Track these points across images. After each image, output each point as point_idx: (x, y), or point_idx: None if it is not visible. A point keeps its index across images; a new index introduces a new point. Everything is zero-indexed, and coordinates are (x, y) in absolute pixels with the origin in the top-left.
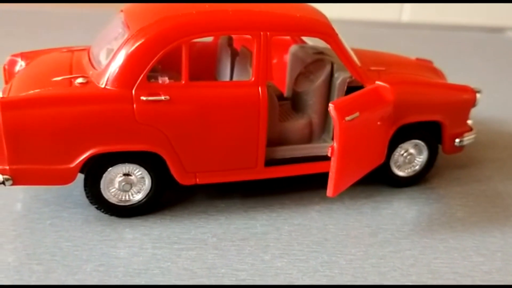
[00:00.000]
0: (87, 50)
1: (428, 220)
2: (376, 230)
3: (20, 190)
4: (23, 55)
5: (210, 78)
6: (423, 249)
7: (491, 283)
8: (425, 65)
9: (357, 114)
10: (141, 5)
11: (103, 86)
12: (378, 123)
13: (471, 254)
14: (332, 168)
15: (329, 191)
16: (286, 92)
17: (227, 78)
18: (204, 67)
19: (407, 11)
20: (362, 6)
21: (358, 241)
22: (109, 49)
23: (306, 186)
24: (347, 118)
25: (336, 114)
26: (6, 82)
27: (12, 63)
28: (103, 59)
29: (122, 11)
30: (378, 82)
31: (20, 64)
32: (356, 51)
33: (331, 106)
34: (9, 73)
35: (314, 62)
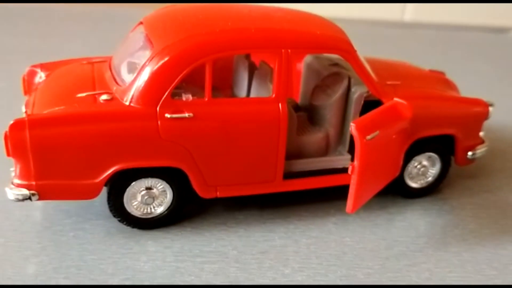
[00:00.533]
0: (107, 62)
1: (442, 232)
2: (392, 242)
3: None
4: (43, 66)
5: (226, 89)
6: (437, 262)
7: None
8: (438, 77)
9: (377, 132)
10: (161, 17)
11: (127, 103)
12: (396, 138)
13: (484, 267)
14: (352, 185)
15: (349, 208)
16: (300, 100)
17: (245, 91)
18: (220, 78)
19: (410, 11)
20: (364, 5)
21: (374, 254)
22: (131, 62)
23: (322, 197)
24: (368, 137)
25: (358, 134)
26: (25, 92)
27: (32, 74)
28: (125, 74)
29: (142, 23)
30: (396, 99)
31: (40, 76)
32: (371, 62)
33: (352, 126)
34: (29, 84)
35: (330, 76)
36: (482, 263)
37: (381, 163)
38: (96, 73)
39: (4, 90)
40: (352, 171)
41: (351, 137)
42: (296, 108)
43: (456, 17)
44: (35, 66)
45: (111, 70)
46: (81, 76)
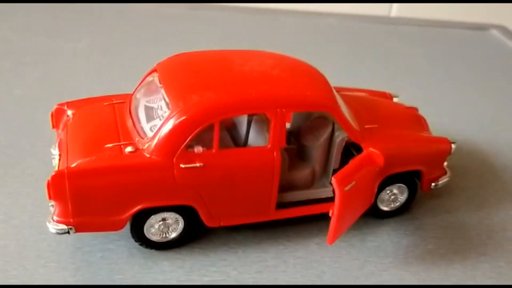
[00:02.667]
0: (126, 104)
1: (405, 253)
2: (363, 263)
3: None
4: (69, 104)
5: (229, 127)
6: (399, 281)
7: None
8: (411, 114)
9: (353, 183)
10: (174, 71)
11: (149, 155)
12: (369, 181)
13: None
14: (332, 224)
15: (329, 240)
16: (290, 126)
17: (243, 135)
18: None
19: (396, 8)
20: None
21: (348, 273)
22: (148, 107)
23: (307, 220)
24: (346, 188)
25: (337, 186)
26: (53, 126)
27: (59, 111)
28: (144, 123)
29: (155, 70)
30: (371, 149)
31: (67, 114)
32: (352, 101)
33: (333, 180)
34: (56, 119)
35: (318, 118)
36: (435, 281)
37: (356, 203)
38: (119, 118)
39: (21, 98)
40: (331, 214)
41: (333, 171)
42: (288, 137)
43: (440, 14)
44: (61, 104)
45: (132, 118)
46: (106, 122)
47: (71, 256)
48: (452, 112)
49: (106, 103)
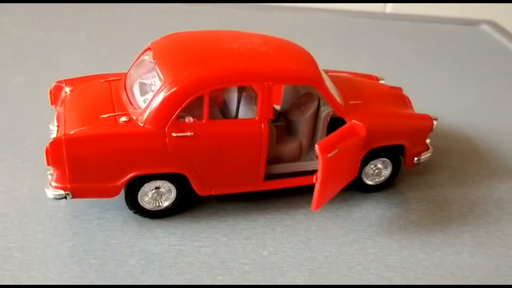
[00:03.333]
0: (121, 81)
1: (388, 223)
2: (348, 231)
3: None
4: (67, 82)
5: (219, 102)
6: (381, 247)
7: (428, 277)
8: (395, 94)
9: (336, 150)
10: (167, 48)
11: (142, 124)
12: (353, 152)
13: (417, 251)
14: (316, 190)
15: (313, 206)
16: (280, 106)
17: (234, 109)
18: (213, 97)
19: (390, 7)
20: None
21: (333, 240)
22: (142, 83)
23: (295, 193)
24: (329, 155)
25: (320, 153)
26: (52, 103)
27: (58, 88)
28: (138, 96)
29: (150, 49)
30: (354, 121)
31: (65, 90)
32: (338, 80)
33: (316, 147)
34: (55, 96)
35: (305, 95)
36: (416, 248)
37: (340, 171)
38: (114, 93)
39: (22, 85)
40: (315, 180)
41: None
42: (277, 115)
43: (431, 10)
44: (60, 81)
45: (126, 92)
46: (102, 96)
47: (69, 223)
48: (439, 100)
49: (102, 80)
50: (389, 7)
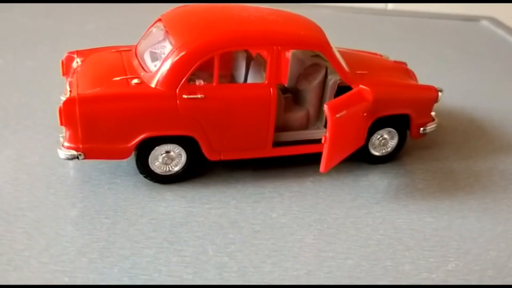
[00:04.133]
0: (132, 51)
1: (395, 190)
2: (355, 196)
3: (78, 161)
4: (78, 53)
5: (227, 74)
6: (389, 211)
7: (436, 238)
8: (400, 67)
9: (344, 112)
10: (178, 16)
11: (154, 86)
12: (360, 116)
13: (425, 215)
14: (324, 151)
15: (322, 168)
16: (287, 84)
17: (243, 77)
18: (223, 65)
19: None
20: None
21: (341, 204)
22: (153, 52)
23: (303, 162)
24: (337, 115)
25: (329, 113)
26: (63, 73)
27: (69, 59)
28: (149, 62)
29: (160, 19)
30: (361, 86)
31: (76, 61)
32: (345, 54)
33: (325, 107)
34: (66, 67)
35: (312, 65)
36: (423, 213)
37: (348, 135)
38: (125, 60)
39: (33, 68)
40: (324, 141)
41: None
42: (284, 90)
43: (433, 6)
44: (71, 52)
45: (137, 58)
46: (113, 62)
47: (79, 187)
48: (441, 85)
49: (113, 50)
50: (391, 6)
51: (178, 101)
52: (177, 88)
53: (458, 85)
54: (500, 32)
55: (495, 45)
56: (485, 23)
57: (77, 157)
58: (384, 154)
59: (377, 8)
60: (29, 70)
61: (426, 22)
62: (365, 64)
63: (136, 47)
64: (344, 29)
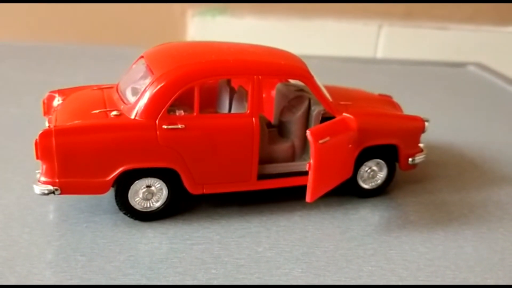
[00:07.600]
0: (114, 88)
1: (387, 223)
2: (345, 229)
3: (57, 200)
4: (60, 92)
5: (211, 108)
6: (381, 243)
7: (431, 268)
8: (385, 100)
9: (328, 138)
10: (159, 51)
11: (133, 117)
12: (345, 145)
13: (418, 246)
14: (310, 179)
15: (308, 198)
16: (273, 121)
17: (226, 110)
18: (207, 99)
19: (381, 49)
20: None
21: (330, 237)
22: (134, 88)
23: (290, 197)
24: (320, 141)
25: (312, 138)
26: (45, 113)
27: (51, 98)
28: (130, 96)
29: (142, 56)
30: (345, 114)
31: (58, 99)
32: (329, 88)
33: (308, 132)
34: (48, 106)
35: (295, 98)
36: (417, 243)
37: (333, 163)
38: (106, 96)
39: (17, 114)
40: (309, 168)
41: None
42: (269, 125)
43: (421, 54)
44: (53, 92)
45: (118, 93)
46: (94, 98)
47: (56, 226)
48: (430, 124)
49: (95, 88)
50: (380, 54)
51: (157, 132)
52: (156, 118)
53: (448, 124)
54: (486, 75)
55: (482, 87)
56: (471, 68)
57: (53, 192)
58: (374, 187)
59: (366, 57)
60: (13, 116)
61: (415, 69)
62: (349, 96)
63: (118, 83)
64: (333, 76)
